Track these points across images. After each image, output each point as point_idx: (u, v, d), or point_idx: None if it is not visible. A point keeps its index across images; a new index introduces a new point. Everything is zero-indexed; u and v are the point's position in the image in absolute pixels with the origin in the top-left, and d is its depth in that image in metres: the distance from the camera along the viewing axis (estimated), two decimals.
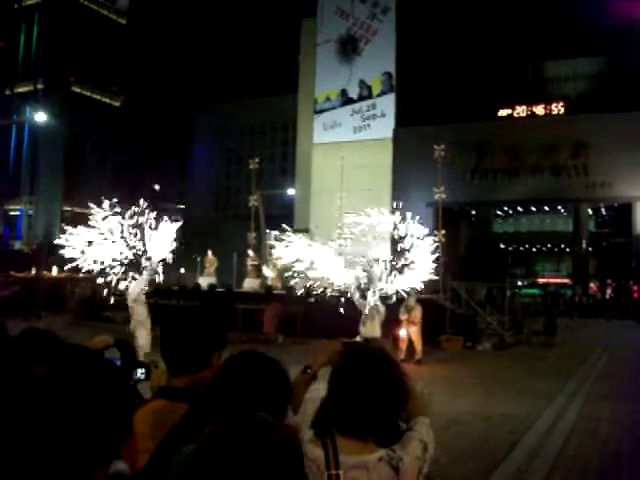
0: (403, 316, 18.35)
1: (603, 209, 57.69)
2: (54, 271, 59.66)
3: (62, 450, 1.38)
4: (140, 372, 2.76)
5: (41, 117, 54.85)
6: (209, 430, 2.00)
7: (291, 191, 62.59)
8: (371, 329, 13.26)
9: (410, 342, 18.29)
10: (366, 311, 13.22)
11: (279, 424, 1.38)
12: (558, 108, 54.17)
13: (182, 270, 41.88)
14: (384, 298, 14.43)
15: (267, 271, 29.61)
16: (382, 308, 13.28)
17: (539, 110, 54.56)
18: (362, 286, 14.92)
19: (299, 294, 19.72)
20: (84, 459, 1.44)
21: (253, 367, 2.02)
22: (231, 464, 1.21)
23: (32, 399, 1.41)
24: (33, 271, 52.88)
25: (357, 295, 13.71)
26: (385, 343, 16.27)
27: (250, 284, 30.05)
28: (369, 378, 1.99)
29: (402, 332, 18.33)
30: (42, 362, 2.18)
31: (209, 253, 33.17)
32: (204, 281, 30.59)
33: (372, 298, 13.48)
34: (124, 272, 14.76)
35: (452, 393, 13.28)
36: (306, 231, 30.03)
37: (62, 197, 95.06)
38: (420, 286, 16.14)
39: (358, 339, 13.47)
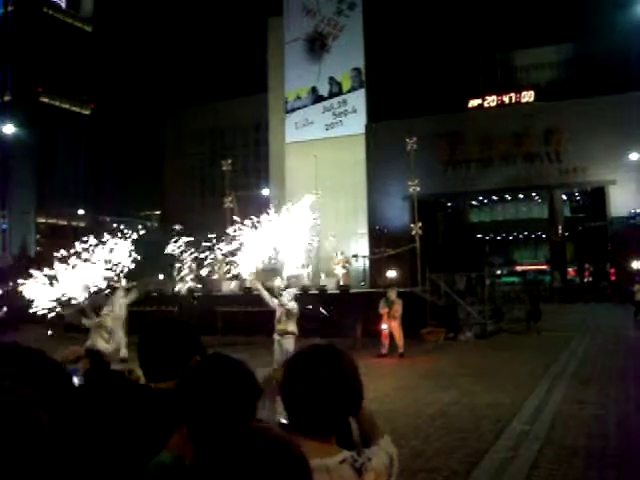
0: (383, 310, 18.35)
1: (577, 194, 58.14)
2: None
3: None
4: None
5: (10, 129, 54.31)
6: (179, 432, 1.95)
7: (265, 191, 62.43)
8: (287, 325, 13.61)
9: (392, 336, 18.30)
10: (288, 306, 13.55)
11: (286, 436, 1.33)
12: (528, 96, 54.48)
13: (161, 277, 41.63)
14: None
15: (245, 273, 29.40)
16: (295, 305, 13.69)
17: (509, 99, 54.85)
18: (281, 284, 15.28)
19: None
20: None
21: (218, 369, 1.98)
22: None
23: None
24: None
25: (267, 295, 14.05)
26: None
27: (229, 287, 29.93)
28: (317, 372, 1.94)
29: (383, 326, 18.34)
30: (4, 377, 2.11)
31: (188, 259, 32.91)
32: (183, 286, 30.43)
33: (287, 295, 13.84)
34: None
35: (436, 385, 13.28)
36: None
37: (36, 209, 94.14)
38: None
39: (275, 337, 13.77)
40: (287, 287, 14.41)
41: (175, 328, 2.57)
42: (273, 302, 13.70)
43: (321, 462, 1.91)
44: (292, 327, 13.61)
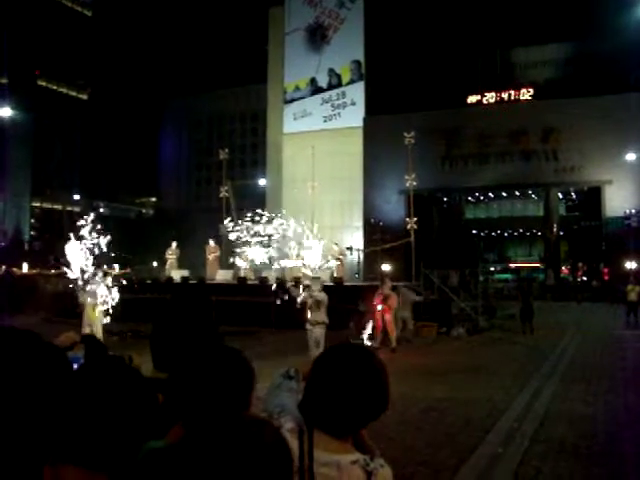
0: (377, 300, 18.39)
1: (573, 193, 58.15)
2: (24, 268, 58.87)
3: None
4: None
5: (6, 112, 54.06)
6: (178, 427, 1.95)
7: (262, 181, 62.39)
8: (317, 315, 14.06)
9: (385, 330, 18.34)
10: (318, 297, 13.94)
11: (263, 422, 1.34)
12: (527, 94, 54.44)
13: (154, 264, 41.62)
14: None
15: (240, 262, 29.41)
16: (324, 295, 14.17)
17: (508, 96, 54.79)
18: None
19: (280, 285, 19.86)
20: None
21: (214, 358, 1.97)
22: (217, 466, 1.18)
23: None
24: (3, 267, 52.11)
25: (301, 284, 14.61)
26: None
27: (223, 275, 29.90)
28: (348, 373, 1.91)
29: (378, 307, 18.37)
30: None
31: (173, 244, 32.99)
32: (177, 274, 30.37)
33: (316, 286, 14.30)
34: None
35: (428, 380, 13.34)
36: None
37: (31, 193, 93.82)
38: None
39: (308, 326, 14.20)
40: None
41: (194, 315, 2.53)
42: (302, 295, 14.18)
43: (333, 457, 1.90)
44: (322, 317, 14.12)
